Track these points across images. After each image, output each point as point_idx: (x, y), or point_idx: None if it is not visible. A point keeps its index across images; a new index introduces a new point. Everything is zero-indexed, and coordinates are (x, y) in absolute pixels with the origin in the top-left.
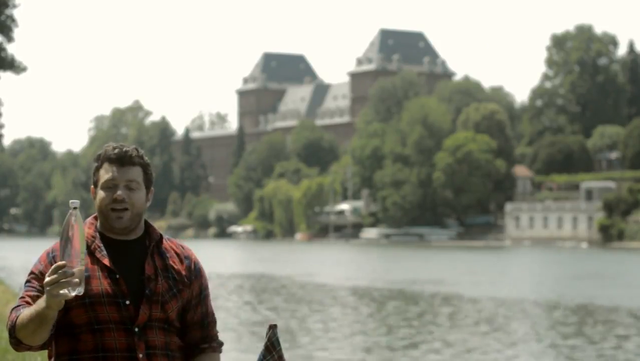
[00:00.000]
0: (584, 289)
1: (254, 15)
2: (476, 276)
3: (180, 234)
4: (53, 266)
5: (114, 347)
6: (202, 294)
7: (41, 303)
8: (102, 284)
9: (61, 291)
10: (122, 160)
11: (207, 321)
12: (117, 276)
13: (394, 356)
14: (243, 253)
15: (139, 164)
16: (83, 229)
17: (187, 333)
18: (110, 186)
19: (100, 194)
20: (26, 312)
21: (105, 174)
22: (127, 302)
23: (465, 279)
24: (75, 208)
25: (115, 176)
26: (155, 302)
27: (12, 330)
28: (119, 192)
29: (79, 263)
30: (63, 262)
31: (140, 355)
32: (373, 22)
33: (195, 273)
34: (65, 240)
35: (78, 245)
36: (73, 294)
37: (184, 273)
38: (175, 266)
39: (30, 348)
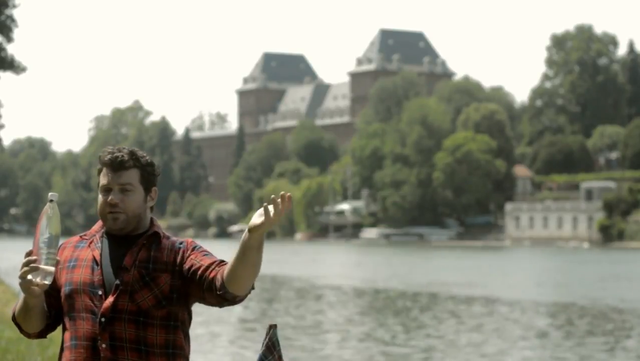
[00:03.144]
0: (597, 290)
1: (254, 15)
2: (486, 277)
3: (180, 234)
4: (25, 253)
5: (82, 335)
6: (201, 255)
7: None
8: (82, 274)
9: (28, 277)
10: (113, 165)
11: (213, 264)
12: (99, 267)
13: (394, 355)
14: None
15: (134, 166)
16: (58, 222)
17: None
18: (105, 190)
19: (99, 198)
20: (19, 301)
21: (102, 178)
22: (100, 292)
23: (475, 280)
24: (51, 201)
25: (109, 181)
26: (123, 292)
27: (14, 315)
28: (111, 196)
29: (42, 252)
30: (31, 249)
31: (103, 345)
32: (373, 22)
33: (190, 248)
34: (35, 231)
35: (38, 236)
36: (39, 280)
37: (170, 260)
38: (160, 256)
39: (29, 335)
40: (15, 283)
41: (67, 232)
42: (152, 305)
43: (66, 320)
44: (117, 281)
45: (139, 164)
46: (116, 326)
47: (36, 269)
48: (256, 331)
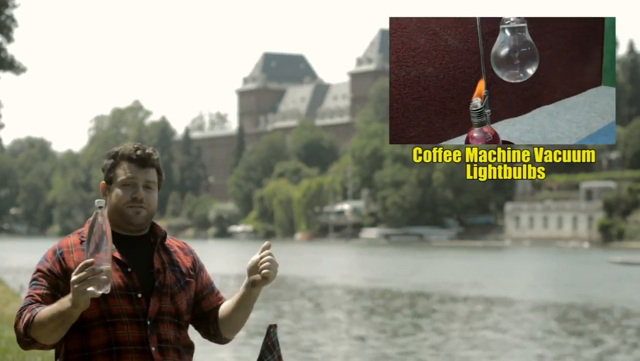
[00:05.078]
0: (597, 290)
1: (254, 15)
2: (486, 277)
3: (180, 234)
4: (81, 264)
5: (127, 340)
6: (212, 285)
7: (66, 302)
8: (113, 277)
9: (89, 289)
10: (144, 161)
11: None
12: (129, 269)
13: (394, 355)
14: (244, 253)
15: (156, 166)
16: (109, 229)
17: (207, 312)
18: (129, 184)
19: (118, 192)
20: (45, 311)
21: (124, 172)
22: (139, 295)
23: (475, 280)
24: (100, 208)
25: (136, 175)
26: (165, 294)
27: (27, 329)
28: (140, 191)
29: (109, 261)
30: (91, 259)
31: (153, 348)
32: (373, 22)
33: (200, 266)
34: (100, 237)
35: (110, 243)
36: (100, 292)
37: (189, 266)
38: (180, 261)
39: (43, 347)
40: (14, 282)
41: (67, 232)
42: (185, 309)
43: (95, 326)
44: (157, 284)
45: (157, 163)
46: (161, 329)
47: (105, 281)
48: (256, 331)
